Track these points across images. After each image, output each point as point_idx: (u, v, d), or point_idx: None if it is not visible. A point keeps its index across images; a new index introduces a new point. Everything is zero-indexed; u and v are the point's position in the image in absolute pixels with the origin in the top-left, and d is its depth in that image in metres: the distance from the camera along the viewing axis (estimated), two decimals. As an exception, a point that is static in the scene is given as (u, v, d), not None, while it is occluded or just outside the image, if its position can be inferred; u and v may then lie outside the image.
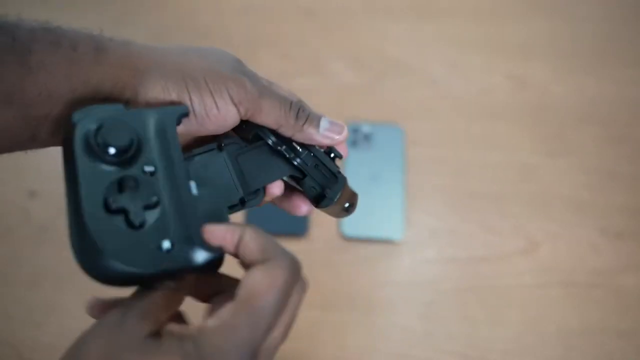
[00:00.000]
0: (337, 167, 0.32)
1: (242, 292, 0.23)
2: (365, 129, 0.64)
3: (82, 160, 0.24)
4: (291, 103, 0.29)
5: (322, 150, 0.31)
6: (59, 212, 0.61)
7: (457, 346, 0.53)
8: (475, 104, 0.67)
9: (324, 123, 0.30)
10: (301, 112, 0.29)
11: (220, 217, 0.26)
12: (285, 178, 0.31)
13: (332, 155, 0.31)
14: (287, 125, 0.29)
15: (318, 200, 0.31)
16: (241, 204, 0.29)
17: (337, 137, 0.30)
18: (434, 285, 0.56)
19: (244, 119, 0.29)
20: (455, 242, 0.59)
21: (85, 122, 0.24)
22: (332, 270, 0.58)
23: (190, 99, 0.27)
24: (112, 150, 0.24)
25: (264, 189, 0.30)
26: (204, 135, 0.30)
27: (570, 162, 0.63)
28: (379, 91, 0.68)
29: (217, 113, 0.27)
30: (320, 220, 0.60)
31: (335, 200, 0.30)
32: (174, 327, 0.24)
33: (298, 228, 0.59)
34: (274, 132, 0.30)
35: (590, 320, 0.54)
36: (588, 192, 0.61)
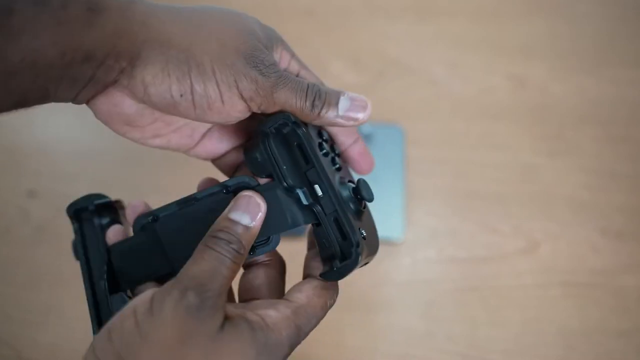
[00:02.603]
0: (360, 229, 0.26)
1: (301, 297, 0.25)
2: (365, 129, 0.64)
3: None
4: (307, 91, 0.26)
5: (348, 194, 0.27)
6: (58, 212, 0.61)
7: (457, 346, 0.53)
8: (476, 104, 0.67)
9: (343, 103, 0.27)
10: (317, 99, 0.26)
11: None
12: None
13: (359, 197, 0.27)
14: (302, 115, 0.26)
15: (324, 263, 0.27)
16: (251, 251, 0.26)
17: (360, 115, 0.27)
18: (434, 285, 0.56)
19: (257, 111, 0.26)
20: (456, 242, 0.59)
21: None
22: (332, 270, 0.58)
23: (192, 87, 0.24)
24: None
25: (279, 236, 0.27)
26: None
27: (570, 162, 0.63)
28: (379, 91, 0.68)
29: (220, 106, 0.25)
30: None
31: (342, 277, 0.26)
32: (239, 311, 0.23)
33: (298, 229, 0.59)
34: (294, 168, 0.26)
35: (591, 320, 0.54)
36: (588, 192, 0.61)
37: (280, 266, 0.29)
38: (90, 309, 0.28)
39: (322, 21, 0.73)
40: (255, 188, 0.26)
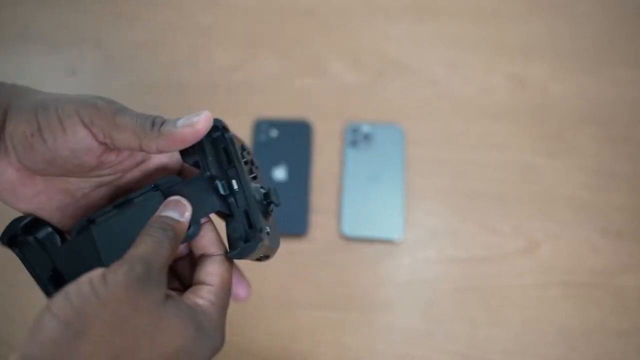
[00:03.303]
0: (265, 224, 0.31)
1: (215, 279, 0.30)
2: (365, 129, 0.64)
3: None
4: (147, 116, 0.29)
5: (260, 196, 0.32)
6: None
7: (457, 346, 0.53)
8: (476, 104, 0.67)
9: (180, 121, 0.29)
10: (157, 119, 0.29)
11: None
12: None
13: (268, 200, 0.32)
14: (144, 135, 0.28)
15: (230, 247, 0.31)
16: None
17: (195, 119, 0.29)
18: (434, 285, 0.56)
19: (103, 141, 0.28)
20: (456, 242, 0.59)
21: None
22: (332, 270, 0.58)
23: (38, 124, 0.27)
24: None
25: (198, 224, 0.30)
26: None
27: (570, 162, 0.63)
28: (379, 91, 0.68)
29: (64, 135, 0.27)
30: (320, 220, 0.60)
31: (245, 257, 0.30)
32: (178, 295, 0.28)
33: (298, 228, 0.59)
34: (218, 164, 0.31)
35: (591, 320, 0.54)
36: (588, 192, 0.61)
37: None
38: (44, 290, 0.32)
39: (322, 21, 0.73)
40: (181, 182, 0.31)
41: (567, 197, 0.60)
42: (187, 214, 0.29)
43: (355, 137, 0.64)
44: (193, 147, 0.30)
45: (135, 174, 0.33)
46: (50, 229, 0.32)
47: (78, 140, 0.28)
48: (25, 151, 0.28)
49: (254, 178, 0.33)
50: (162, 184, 0.31)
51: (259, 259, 0.32)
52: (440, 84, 0.68)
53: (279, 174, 0.63)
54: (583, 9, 0.73)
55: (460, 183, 0.62)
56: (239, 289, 0.34)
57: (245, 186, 0.31)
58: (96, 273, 0.25)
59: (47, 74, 0.71)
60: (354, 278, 0.57)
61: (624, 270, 0.56)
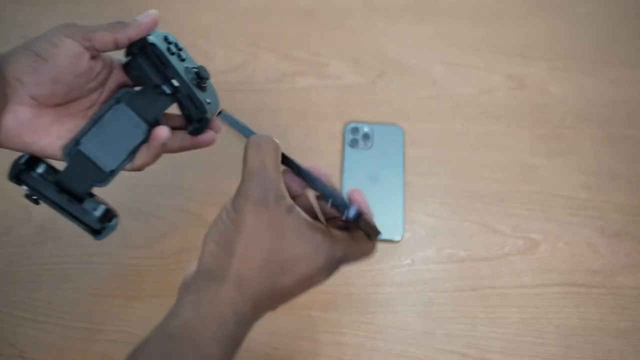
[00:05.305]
0: (204, 97, 0.39)
1: (358, 234, 0.36)
2: (365, 129, 0.64)
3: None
4: (114, 22, 0.37)
5: (193, 76, 0.39)
6: (60, 212, 0.61)
7: (457, 346, 0.53)
8: (475, 104, 0.67)
9: (139, 16, 0.37)
10: (120, 22, 0.37)
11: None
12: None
13: (200, 77, 0.39)
14: (115, 30, 0.36)
15: (188, 126, 0.40)
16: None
17: (149, 12, 0.37)
18: (433, 285, 0.57)
19: (86, 47, 0.36)
20: (455, 242, 0.59)
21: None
22: (332, 270, 0.58)
23: (34, 52, 0.34)
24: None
25: (160, 121, 0.40)
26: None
27: (569, 162, 0.63)
28: (379, 91, 0.68)
29: (57, 49, 0.35)
30: (320, 220, 0.60)
31: (200, 132, 0.40)
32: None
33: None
34: (156, 71, 0.38)
35: (589, 320, 0.54)
36: (587, 192, 0.61)
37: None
38: (75, 219, 0.40)
39: (322, 21, 0.73)
40: (135, 93, 0.39)
41: (567, 197, 0.61)
42: None
43: (356, 137, 0.64)
44: (133, 65, 0.38)
45: (105, 95, 0.40)
46: (46, 164, 0.39)
47: (69, 47, 0.35)
48: (32, 78, 0.35)
49: (182, 60, 0.39)
50: (121, 97, 0.39)
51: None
52: (440, 84, 0.68)
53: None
54: (583, 9, 0.73)
55: (460, 183, 0.62)
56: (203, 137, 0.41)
57: (182, 80, 0.38)
58: (227, 204, 0.33)
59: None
60: (353, 278, 0.57)
61: (622, 270, 0.57)
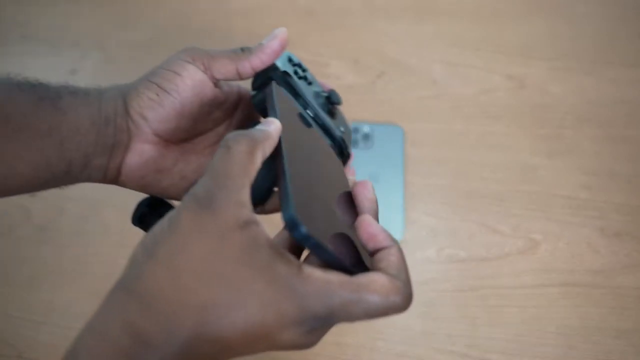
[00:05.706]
0: (336, 126, 0.35)
1: (364, 279, 0.25)
2: (365, 129, 0.64)
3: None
4: (233, 49, 0.34)
5: (323, 100, 0.36)
6: (60, 212, 0.61)
7: (457, 346, 0.53)
8: (475, 104, 0.67)
9: (264, 40, 0.34)
10: (244, 48, 0.34)
11: None
12: None
13: (331, 102, 0.36)
14: (238, 58, 0.33)
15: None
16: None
17: (276, 31, 0.33)
18: (434, 285, 0.56)
19: (206, 73, 0.33)
20: (455, 242, 0.59)
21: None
22: (332, 270, 0.58)
23: (156, 84, 0.32)
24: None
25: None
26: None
27: (569, 162, 0.63)
28: (379, 91, 0.68)
29: (180, 78, 0.32)
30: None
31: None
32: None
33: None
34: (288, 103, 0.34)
35: (590, 320, 0.54)
36: (587, 192, 0.61)
37: None
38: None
39: (322, 21, 0.73)
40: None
41: (567, 197, 0.61)
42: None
43: (355, 137, 0.64)
44: (264, 92, 0.33)
45: (234, 127, 0.37)
46: (170, 207, 0.35)
47: (191, 75, 0.32)
48: (156, 113, 0.32)
49: (310, 84, 0.36)
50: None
51: None
52: (440, 84, 0.68)
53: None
54: (583, 9, 0.73)
55: (460, 183, 0.62)
56: None
57: (317, 111, 0.34)
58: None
59: (48, 74, 0.71)
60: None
61: (623, 270, 0.57)
